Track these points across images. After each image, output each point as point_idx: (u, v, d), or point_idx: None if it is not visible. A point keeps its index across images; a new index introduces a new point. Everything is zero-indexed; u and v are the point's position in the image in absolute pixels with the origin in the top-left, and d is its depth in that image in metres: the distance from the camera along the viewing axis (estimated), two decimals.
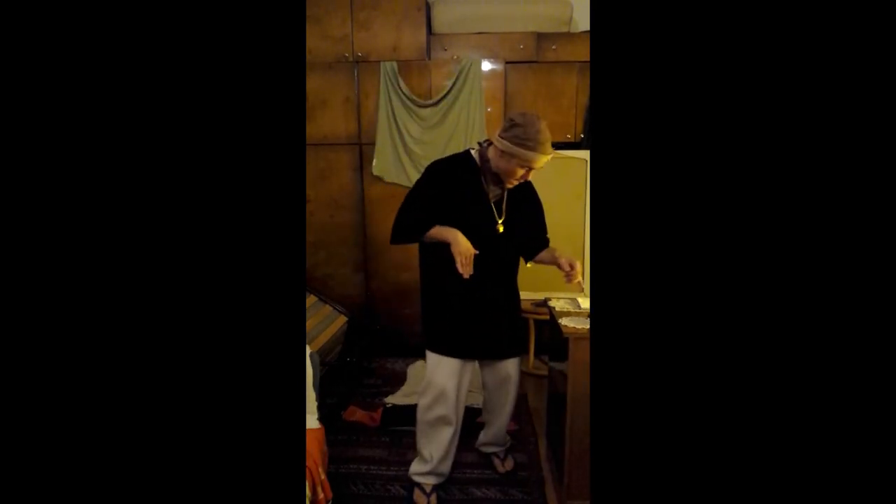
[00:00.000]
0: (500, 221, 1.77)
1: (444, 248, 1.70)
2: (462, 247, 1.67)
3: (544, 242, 1.92)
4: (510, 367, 1.94)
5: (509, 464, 2.12)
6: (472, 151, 1.80)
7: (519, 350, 1.96)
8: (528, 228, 1.85)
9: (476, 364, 1.94)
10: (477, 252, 1.68)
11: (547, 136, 1.62)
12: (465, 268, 1.66)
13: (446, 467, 1.93)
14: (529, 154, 1.60)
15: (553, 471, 2.09)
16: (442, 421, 1.85)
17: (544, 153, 1.62)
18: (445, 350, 1.82)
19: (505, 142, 1.62)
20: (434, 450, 1.89)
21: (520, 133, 1.60)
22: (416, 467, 1.94)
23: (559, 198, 3.00)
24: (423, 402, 1.87)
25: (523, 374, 2.94)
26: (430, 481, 1.93)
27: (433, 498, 1.91)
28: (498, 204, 1.78)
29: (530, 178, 1.72)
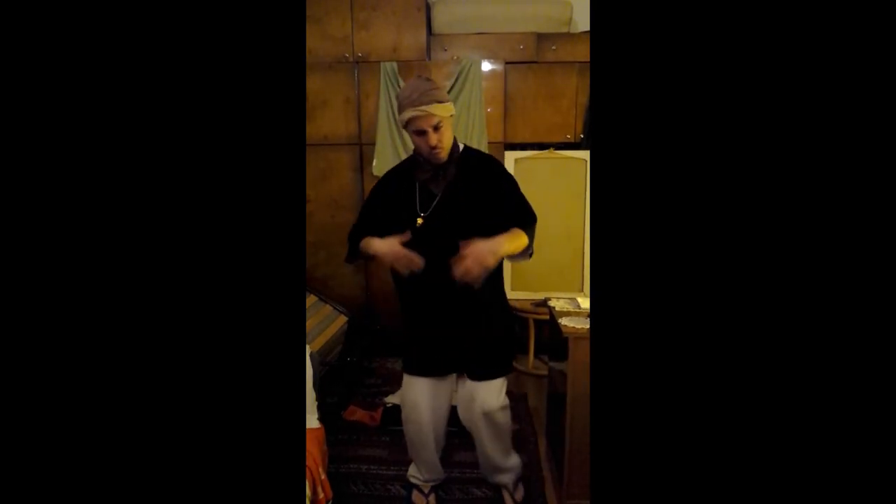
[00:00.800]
0: (420, 215, 1.55)
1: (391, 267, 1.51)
2: (386, 252, 1.47)
3: (522, 215, 1.56)
4: (491, 397, 1.62)
5: (519, 494, 1.90)
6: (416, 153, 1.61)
7: (494, 371, 1.63)
8: (482, 208, 1.55)
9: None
10: (406, 240, 1.46)
11: (425, 88, 1.43)
12: (403, 265, 1.43)
13: (437, 473, 1.92)
14: (406, 115, 1.45)
15: (553, 470, 2.10)
16: (417, 438, 1.79)
17: (418, 104, 1.41)
18: (406, 368, 1.72)
19: (399, 117, 1.49)
20: (419, 460, 1.89)
21: (398, 101, 1.48)
22: (412, 470, 1.95)
23: (559, 198, 3.00)
24: (403, 415, 1.81)
25: (523, 374, 2.94)
26: (427, 484, 1.93)
27: (432, 498, 1.91)
28: (431, 199, 1.57)
29: (446, 140, 1.49)
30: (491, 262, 1.37)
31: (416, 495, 1.92)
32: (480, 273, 1.36)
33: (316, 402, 1.73)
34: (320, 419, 1.73)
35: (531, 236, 1.54)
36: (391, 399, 2.67)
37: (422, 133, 1.47)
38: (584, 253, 2.99)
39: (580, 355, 1.75)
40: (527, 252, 1.55)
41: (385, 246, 1.48)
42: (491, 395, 1.63)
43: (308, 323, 2.63)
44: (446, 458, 2.16)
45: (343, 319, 2.92)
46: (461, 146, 1.63)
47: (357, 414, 2.53)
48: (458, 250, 1.38)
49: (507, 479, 1.86)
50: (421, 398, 1.68)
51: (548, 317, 2.07)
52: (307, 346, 1.74)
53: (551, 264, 3.05)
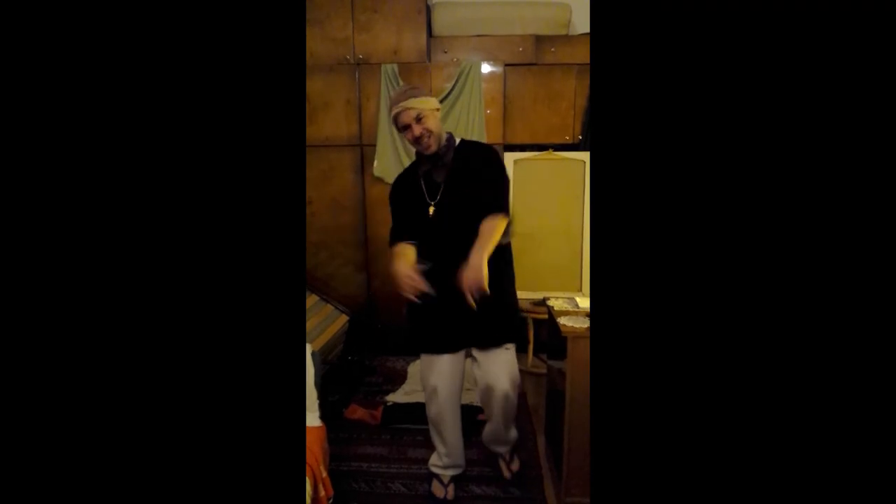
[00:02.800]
0: (431, 204, 1.70)
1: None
2: (395, 271, 1.58)
3: (492, 206, 1.63)
4: (504, 366, 1.76)
5: (515, 465, 2.07)
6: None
7: (502, 339, 1.76)
8: (475, 192, 1.66)
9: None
10: (419, 263, 1.60)
11: (403, 90, 1.66)
12: (409, 290, 1.55)
13: (458, 458, 1.95)
14: (392, 112, 1.66)
15: (552, 468, 2.11)
16: (439, 418, 1.88)
17: (400, 100, 1.62)
18: (423, 347, 1.82)
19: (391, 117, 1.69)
20: (440, 444, 1.94)
21: (389, 109, 1.70)
22: (432, 460, 2.00)
23: (558, 198, 3.02)
24: (426, 400, 1.91)
25: (523, 373, 2.96)
26: (447, 473, 1.96)
27: (450, 488, 1.94)
28: (435, 189, 1.71)
29: (432, 131, 1.64)
30: (481, 271, 1.50)
31: (435, 486, 1.96)
32: (482, 284, 1.49)
33: (317, 401, 1.75)
34: (321, 417, 1.75)
35: (507, 212, 1.65)
36: (392, 398, 2.69)
37: (406, 127, 1.64)
38: (582, 253, 3.01)
39: (579, 354, 1.77)
40: (508, 233, 1.68)
41: (399, 268, 1.60)
42: (504, 369, 1.76)
43: (309, 322, 2.65)
44: None
45: (344, 319, 2.94)
46: (457, 139, 1.76)
47: (358, 412, 2.54)
48: (469, 231, 1.58)
49: (504, 449, 2.03)
50: (439, 375, 1.80)
51: (546, 316, 2.08)
52: (309, 346, 1.76)
53: (550, 264, 3.07)
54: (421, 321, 1.80)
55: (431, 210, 1.70)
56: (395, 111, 1.64)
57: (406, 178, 1.80)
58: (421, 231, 1.70)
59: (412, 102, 1.61)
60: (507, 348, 1.78)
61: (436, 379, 1.81)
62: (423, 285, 1.54)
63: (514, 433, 2.01)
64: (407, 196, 1.76)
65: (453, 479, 1.96)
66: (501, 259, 1.73)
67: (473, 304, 1.49)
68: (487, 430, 1.98)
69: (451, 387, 1.83)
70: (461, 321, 1.68)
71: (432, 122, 1.65)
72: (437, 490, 1.94)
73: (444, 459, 1.94)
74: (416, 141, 1.65)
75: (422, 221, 1.70)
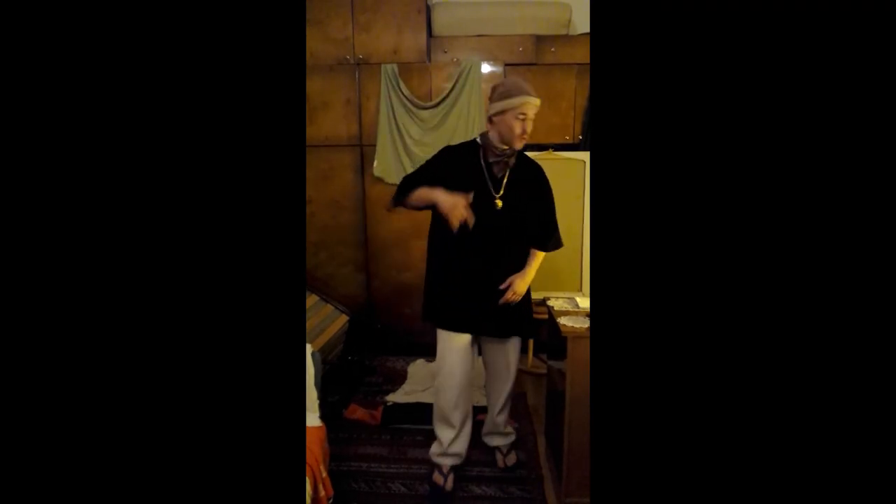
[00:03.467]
0: (497, 196, 1.83)
1: (446, 227, 1.75)
2: (448, 201, 1.71)
3: (549, 229, 1.93)
4: (510, 353, 1.97)
5: (511, 459, 2.15)
6: (477, 138, 1.89)
7: (519, 331, 1.95)
8: (531, 210, 1.88)
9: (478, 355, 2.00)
10: (470, 202, 1.73)
11: (527, 84, 1.75)
12: (456, 217, 1.69)
13: (461, 447, 1.98)
14: (516, 100, 1.71)
15: (552, 468, 2.12)
16: (451, 405, 1.92)
17: (529, 94, 1.72)
18: (451, 325, 1.89)
19: (496, 104, 1.74)
20: (446, 433, 1.96)
21: (503, 90, 1.75)
22: (433, 449, 2.02)
23: (558, 198, 3.00)
24: (436, 384, 1.98)
25: (522, 373, 2.96)
26: (447, 462, 1.98)
27: (450, 478, 1.97)
28: (498, 183, 1.84)
29: (526, 130, 1.75)
30: (525, 289, 1.87)
31: (435, 475, 1.99)
32: (519, 297, 1.86)
33: (317, 401, 1.75)
34: (321, 417, 1.75)
35: (552, 245, 1.95)
36: (392, 398, 2.69)
37: (521, 117, 1.72)
38: (582, 253, 3.01)
39: (578, 354, 1.77)
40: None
41: (450, 198, 1.71)
42: (515, 353, 1.98)
43: (309, 322, 2.65)
44: None
45: (344, 319, 2.94)
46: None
47: (358, 412, 2.54)
48: (518, 232, 1.86)
49: (502, 442, 2.16)
50: (455, 350, 1.90)
51: (547, 316, 2.08)
52: (309, 346, 1.76)
53: (550, 264, 3.05)
54: (446, 300, 1.90)
55: (499, 203, 1.82)
56: (523, 98, 1.71)
57: (461, 156, 1.87)
58: (482, 217, 1.76)
59: (535, 100, 1.73)
60: (514, 342, 1.96)
61: (454, 357, 1.90)
62: (470, 216, 1.70)
63: (510, 429, 2.17)
64: (465, 173, 1.83)
65: (453, 468, 2.00)
66: (526, 255, 1.91)
67: (507, 302, 1.82)
68: (487, 420, 2.14)
69: (464, 365, 1.91)
70: (485, 309, 1.86)
71: (531, 124, 1.77)
72: (438, 479, 1.98)
73: (444, 447, 1.97)
74: (519, 134, 1.75)
75: (485, 209, 1.79)
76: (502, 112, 1.74)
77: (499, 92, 1.75)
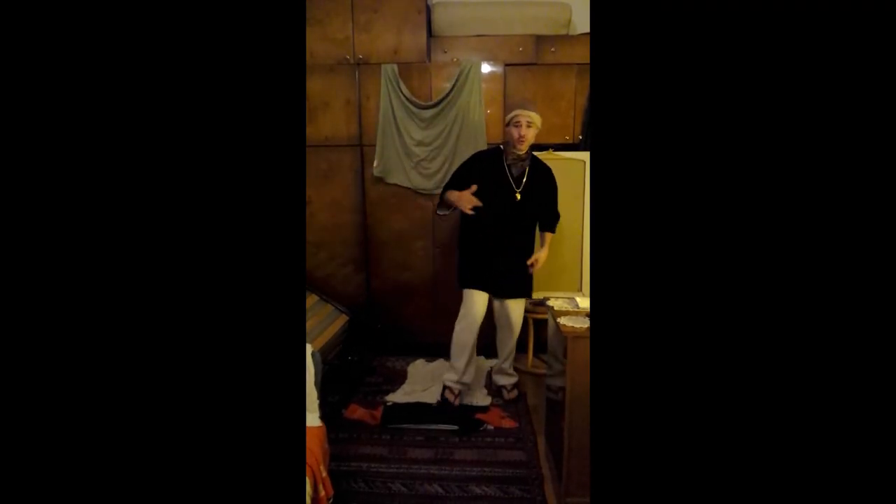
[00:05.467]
0: (517, 191, 2.43)
1: (468, 217, 2.41)
2: (455, 195, 2.42)
3: (555, 216, 2.58)
4: (517, 309, 2.60)
5: (513, 394, 2.71)
6: (501, 145, 2.53)
7: (524, 293, 2.60)
8: (542, 201, 2.51)
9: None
10: (475, 193, 2.38)
11: (529, 102, 2.43)
12: (465, 206, 2.35)
13: (469, 377, 2.61)
14: (513, 113, 2.36)
15: (552, 468, 2.12)
16: (468, 342, 2.55)
17: (524, 108, 2.35)
18: (476, 285, 2.53)
19: (506, 119, 2.43)
20: (460, 362, 2.56)
21: (510, 106, 2.46)
22: (448, 376, 2.62)
23: (558, 198, 3.02)
24: (458, 328, 2.58)
25: (523, 373, 2.97)
26: (458, 387, 2.60)
27: (458, 398, 2.61)
28: (518, 180, 2.45)
29: (528, 137, 2.36)
30: (544, 261, 2.50)
31: (447, 394, 2.60)
32: (540, 266, 2.48)
33: (317, 401, 1.75)
34: (321, 417, 1.75)
35: (556, 227, 2.61)
36: (392, 398, 2.69)
37: (517, 124, 2.35)
38: (582, 253, 3.01)
39: (579, 354, 1.77)
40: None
41: (456, 194, 2.42)
42: (520, 311, 2.63)
43: (309, 322, 2.65)
44: (447, 457, 2.21)
45: (344, 319, 2.94)
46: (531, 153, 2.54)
47: (358, 412, 2.55)
48: (533, 219, 2.54)
49: (507, 381, 2.74)
50: (476, 304, 2.54)
51: (547, 316, 2.09)
52: (309, 346, 1.76)
53: (550, 264, 3.07)
54: (475, 268, 2.55)
55: (518, 196, 2.43)
56: (515, 112, 2.35)
57: (484, 160, 2.51)
58: (502, 206, 2.42)
59: (529, 114, 2.34)
60: (518, 304, 2.61)
61: (475, 308, 2.54)
62: (475, 200, 2.36)
63: (513, 371, 2.75)
64: (485, 172, 2.45)
65: (461, 392, 2.62)
66: (530, 248, 2.54)
67: (531, 270, 2.47)
68: (495, 365, 2.79)
69: (481, 315, 2.56)
70: (503, 277, 2.51)
71: (532, 132, 2.37)
72: (449, 396, 2.60)
73: (457, 375, 2.58)
74: (518, 139, 2.35)
75: (507, 201, 2.43)
76: (507, 123, 2.39)
77: (509, 108, 2.43)
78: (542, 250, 2.49)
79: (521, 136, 2.34)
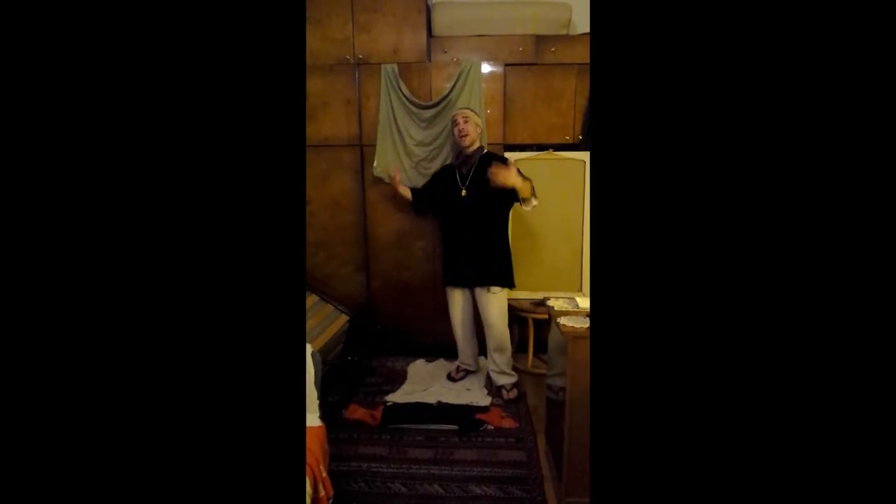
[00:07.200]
0: (462, 188, 2.63)
1: (438, 214, 2.83)
2: (392, 180, 2.85)
3: (516, 196, 2.51)
4: (494, 301, 2.66)
5: (513, 394, 2.74)
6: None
7: (492, 281, 2.64)
8: (494, 191, 2.46)
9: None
10: (398, 178, 2.82)
11: (469, 107, 2.75)
12: (397, 185, 2.81)
13: (471, 365, 2.94)
14: (455, 112, 2.66)
15: (552, 468, 2.12)
16: (457, 335, 2.86)
17: (462, 108, 2.67)
18: (449, 282, 2.77)
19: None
20: (459, 349, 2.90)
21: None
22: (459, 358, 2.95)
23: (558, 198, 3.02)
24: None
25: (523, 373, 2.97)
26: (463, 365, 2.95)
27: (460, 376, 2.93)
28: (465, 177, 2.64)
29: (469, 132, 2.59)
30: (510, 174, 2.36)
31: (453, 372, 2.93)
32: (501, 176, 2.37)
33: (317, 401, 1.75)
34: (321, 417, 1.75)
35: (531, 186, 2.48)
36: (392, 398, 2.69)
37: (455, 123, 2.61)
38: (582, 253, 3.01)
39: (578, 354, 1.77)
40: (529, 201, 2.49)
41: (394, 182, 2.84)
42: (492, 303, 2.67)
43: (309, 322, 2.65)
44: (447, 457, 2.21)
45: (344, 319, 2.94)
46: (485, 149, 2.72)
47: (358, 413, 2.55)
48: (484, 212, 2.63)
49: (506, 381, 2.76)
50: (452, 299, 2.79)
51: (547, 316, 2.09)
52: (309, 346, 1.76)
53: (550, 264, 3.08)
54: (445, 266, 2.79)
55: (463, 192, 2.62)
56: (453, 113, 2.66)
57: (444, 169, 2.81)
58: (453, 205, 2.66)
59: (465, 111, 2.63)
60: (495, 291, 2.65)
61: (451, 303, 2.80)
62: (397, 178, 2.82)
63: (511, 370, 2.78)
64: (444, 180, 2.73)
65: (465, 371, 2.94)
66: (501, 228, 2.67)
67: (495, 180, 2.40)
68: (489, 362, 2.84)
69: (460, 307, 2.79)
70: (464, 267, 2.67)
71: (471, 127, 2.59)
72: (454, 374, 2.93)
73: (461, 361, 2.92)
74: (458, 136, 2.59)
75: (455, 199, 2.64)
76: (453, 128, 2.66)
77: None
78: (507, 173, 2.38)
79: (461, 132, 2.56)
